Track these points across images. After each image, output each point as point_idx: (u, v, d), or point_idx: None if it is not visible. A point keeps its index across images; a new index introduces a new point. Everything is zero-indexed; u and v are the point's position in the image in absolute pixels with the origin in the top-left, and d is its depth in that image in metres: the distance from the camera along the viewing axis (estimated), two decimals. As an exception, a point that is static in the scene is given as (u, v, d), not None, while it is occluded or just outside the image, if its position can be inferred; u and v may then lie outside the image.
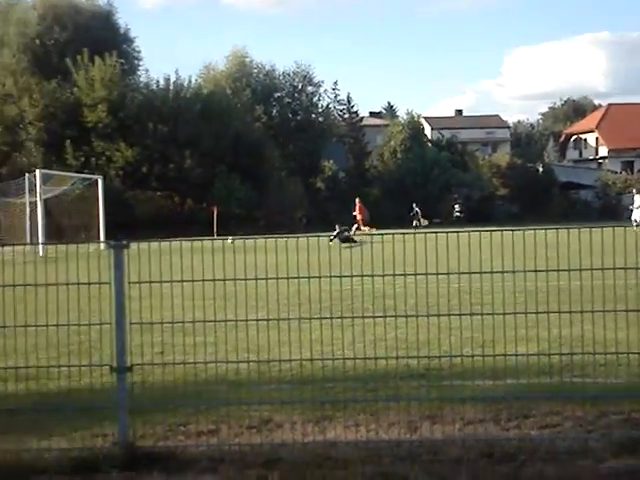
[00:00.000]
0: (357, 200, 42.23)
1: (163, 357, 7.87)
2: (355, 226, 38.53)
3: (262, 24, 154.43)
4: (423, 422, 6.08)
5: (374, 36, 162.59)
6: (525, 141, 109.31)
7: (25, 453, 5.54)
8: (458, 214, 52.13)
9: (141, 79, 65.23)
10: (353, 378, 7.09)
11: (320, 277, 6.31)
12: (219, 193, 55.28)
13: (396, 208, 58.97)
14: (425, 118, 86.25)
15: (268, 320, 6.70)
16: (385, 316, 6.72)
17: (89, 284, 5.97)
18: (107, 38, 61.85)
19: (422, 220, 49.58)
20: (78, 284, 5.95)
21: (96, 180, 41.21)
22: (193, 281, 6.01)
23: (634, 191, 33.79)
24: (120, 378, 5.58)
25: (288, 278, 6.49)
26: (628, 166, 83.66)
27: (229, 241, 9.58)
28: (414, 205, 50.96)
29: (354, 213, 41.56)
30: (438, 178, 65.72)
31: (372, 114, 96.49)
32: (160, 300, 6.19)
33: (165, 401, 6.50)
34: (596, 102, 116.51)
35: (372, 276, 6.59)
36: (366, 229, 37.60)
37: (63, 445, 5.69)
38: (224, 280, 6.13)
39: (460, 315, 6.55)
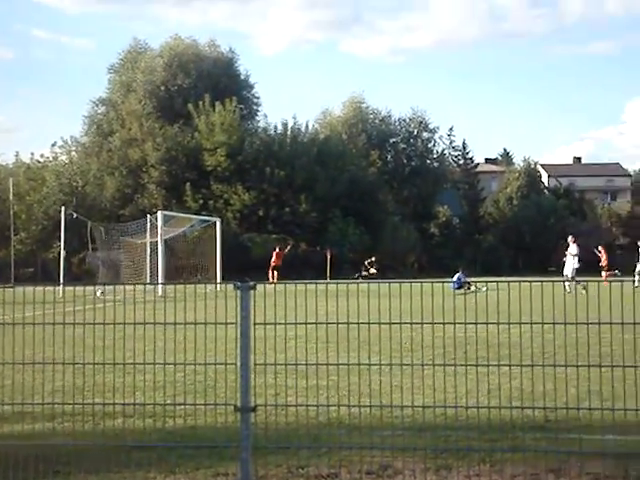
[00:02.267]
0: (277, 249, 41.46)
1: (286, 399, 7.91)
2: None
3: (379, 70, 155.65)
4: (547, 475, 5.92)
5: (491, 82, 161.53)
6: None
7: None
8: (577, 266, 50.84)
9: (259, 124, 66.63)
10: (473, 427, 6.96)
11: (443, 323, 6.25)
12: (333, 237, 55.64)
13: (511, 255, 58.07)
14: (542, 165, 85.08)
15: (390, 365, 6.67)
16: (510, 365, 6.59)
17: (216, 324, 6.08)
18: (228, 84, 63.53)
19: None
20: (205, 324, 6.06)
21: (214, 222, 42.05)
22: (316, 324, 6.05)
23: None
24: (244, 418, 5.63)
25: (401, 323, 6.45)
26: None
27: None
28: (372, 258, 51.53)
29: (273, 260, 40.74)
30: (554, 226, 64.49)
31: (487, 160, 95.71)
32: (282, 341, 6.25)
33: (286, 443, 6.52)
34: None
35: (495, 324, 6.50)
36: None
37: (186, 482, 5.77)
38: (347, 324, 6.14)
39: (589, 366, 6.36)
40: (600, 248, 44.14)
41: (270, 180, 57.34)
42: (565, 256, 33.33)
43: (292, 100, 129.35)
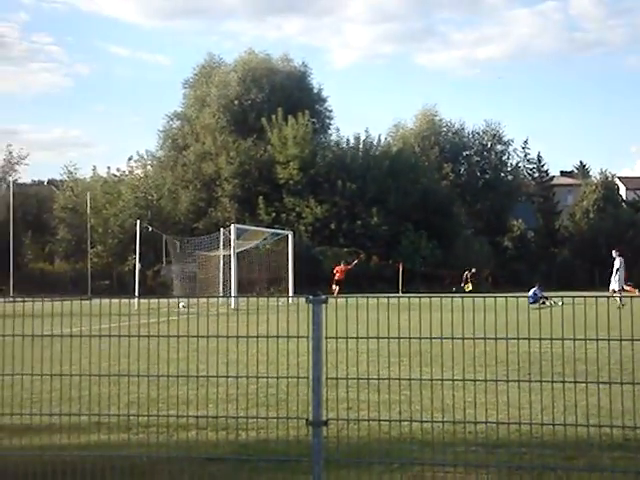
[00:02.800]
0: (342, 263, 40.96)
1: (356, 413, 7.88)
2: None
3: (453, 83, 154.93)
4: (626, 496, 5.78)
5: (567, 93, 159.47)
6: None
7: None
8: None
9: (332, 137, 66.82)
10: (549, 444, 6.84)
11: (518, 339, 6.16)
12: (405, 250, 55.43)
13: (587, 269, 57.08)
14: (620, 178, 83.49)
15: (463, 380, 6.59)
16: (587, 382, 6.45)
17: (288, 337, 6.09)
18: (301, 98, 63.88)
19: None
20: (277, 337, 6.07)
21: (286, 235, 42.28)
22: (389, 338, 6.01)
23: None
24: (316, 432, 5.62)
25: (474, 338, 6.37)
26: None
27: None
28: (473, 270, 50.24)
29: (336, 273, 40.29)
30: (633, 240, 63.17)
31: (563, 173, 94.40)
32: (354, 355, 6.23)
33: (358, 457, 6.49)
34: None
35: (571, 339, 6.38)
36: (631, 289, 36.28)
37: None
38: (420, 338, 6.09)
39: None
40: None
41: (342, 193, 57.42)
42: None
43: (365, 114, 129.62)
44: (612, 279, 32.31)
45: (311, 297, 5.70)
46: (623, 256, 32.85)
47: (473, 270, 50.51)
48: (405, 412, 7.61)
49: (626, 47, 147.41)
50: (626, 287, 37.92)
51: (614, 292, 29.90)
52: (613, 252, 33.27)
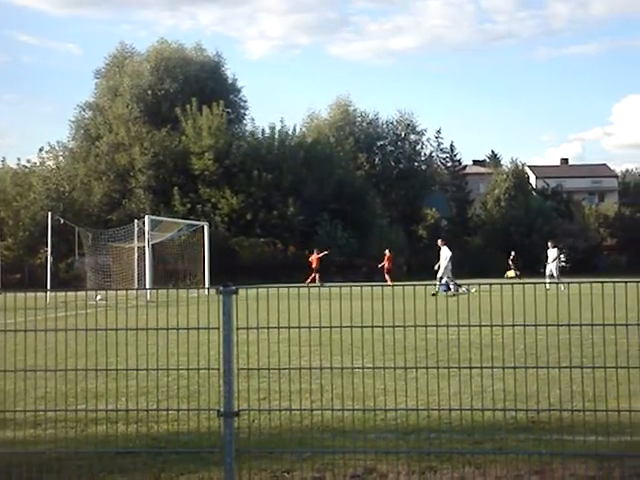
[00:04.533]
0: (387, 252, 41.85)
1: (268, 403, 7.92)
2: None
3: (367, 73, 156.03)
4: (531, 477, 5.94)
5: (478, 84, 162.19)
6: (634, 191, 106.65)
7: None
8: (563, 264, 51.17)
9: (247, 128, 66.62)
10: (457, 429, 6.99)
11: (426, 326, 6.26)
12: (321, 240, 55.66)
13: (499, 257, 58.23)
14: (530, 167, 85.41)
15: (373, 368, 6.68)
16: (492, 367, 6.61)
17: (198, 329, 6.08)
18: (215, 88, 63.50)
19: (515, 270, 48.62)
20: (188, 329, 6.05)
21: (202, 226, 42.03)
22: (300, 327, 6.05)
23: None
24: (227, 423, 5.63)
25: (393, 327, 6.47)
26: None
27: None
28: (512, 253, 50.17)
29: (383, 264, 41.22)
30: (542, 227, 64.71)
31: (475, 162, 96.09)
32: (266, 345, 6.25)
33: (270, 447, 6.52)
34: None
35: (478, 326, 6.52)
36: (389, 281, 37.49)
37: (170, 488, 5.76)
38: (330, 327, 6.15)
39: (570, 368, 6.38)
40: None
41: (258, 183, 57.35)
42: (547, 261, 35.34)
43: (280, 104, 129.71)
44: (549, 267, 34.45)
45: (221, 288, 5.69)
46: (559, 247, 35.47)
47: (513, 254, 50.32)
48: (318, 401, 7.69)
49: (535, 38, 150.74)
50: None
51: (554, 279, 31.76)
52: (549, 243, 35.77)
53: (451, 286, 29.56)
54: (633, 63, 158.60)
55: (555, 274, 34.10)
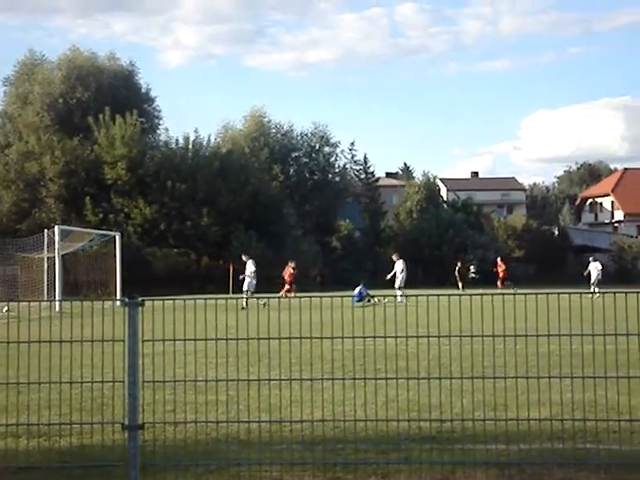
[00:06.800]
0: (290, 263, 41.90)
1: (175, 415, 7.85)
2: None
3: (283, 85, 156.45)
4: (434, 486, 6.03)
5: (392, 98, 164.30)
6: (541, 204, 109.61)
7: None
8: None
9: (161, 137, 65.91)
10: (364, 440, 7.05)
11: (332, 338, 6.32)
12: (235, 251, 55.40)
13: (410, 268, 58.94)
14: (441, 179, 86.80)
15: (280, 380, 6.70)
16: (397, 378, 6.70)
17: (103, 341, 6.01)
18: (128, 97, 62.72)
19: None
20: (92, 341, 5.98)
21: (114, 236, 41.44)
22: (206, 340, 6.04)
23: None
24: (132, 436, 5.58)
25: (301, 338, 6.51)
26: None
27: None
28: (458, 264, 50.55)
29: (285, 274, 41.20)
30: (453, 239, 65.72)
31: (388, 174, 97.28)
32: (177, 357, 6.22)
33: (176, 460, 6.47)
34: (612, 166, 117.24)
35: (385, 337, 6.61)
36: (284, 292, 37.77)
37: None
38: (237, 339, 6.15)
39: (472, 378, 6.52)
40: (499, 260, 46.15)
41: (171, 193, 56.83)
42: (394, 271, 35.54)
43: (196, 114, 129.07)
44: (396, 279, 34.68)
45: (126, 299, 5.65)
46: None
47: (459, 265, 50.30)
48: (229, 413, 7.66)
49: (447, 54, 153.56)
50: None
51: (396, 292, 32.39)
52: (394, 256, 36.17)
53: (399, 297, 29.98)
54: (540, 80, 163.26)
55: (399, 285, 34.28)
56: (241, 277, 32.78)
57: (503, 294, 6.61)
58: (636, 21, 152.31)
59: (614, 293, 6.29)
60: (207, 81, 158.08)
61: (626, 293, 6.26)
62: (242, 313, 6.07)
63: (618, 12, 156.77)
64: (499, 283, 43.92)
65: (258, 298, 27.44)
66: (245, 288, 32.09)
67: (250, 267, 32.40)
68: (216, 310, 6.56)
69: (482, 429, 6.76)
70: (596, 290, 29.44)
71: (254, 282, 32.09)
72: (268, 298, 16.59)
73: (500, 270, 45.39)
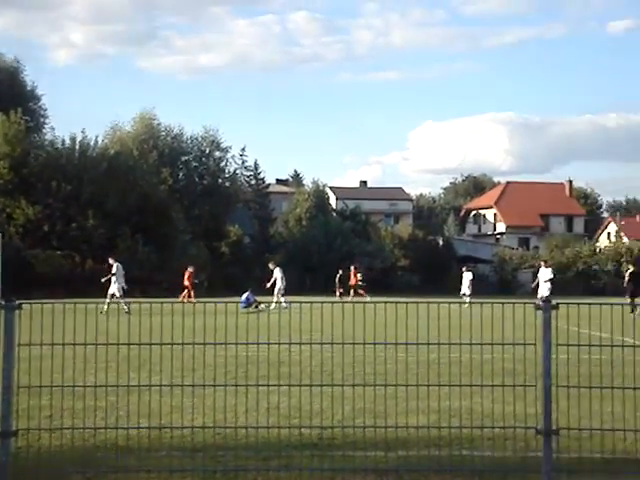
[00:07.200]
0: (189, 268, 41.71)
1: (52, 421, 7.66)
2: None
3: (174, 88, 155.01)
4: (314, 493, 6.06)
5: (284, 105, 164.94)
6: (427, 214, 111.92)
7: None
8: (360, 283, 52.57)
9: (46, 137, 64.24)
10: (246, 447, 7.03)
11: (215, 344, 6.30)
12: (121, 254, 54.50)
13: (298, 275, 59.18)
14: (330, 188, 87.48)
15: (161, 386, 6.62)
16: (279, 385, 6.72)
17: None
18: (13, 95, 61.03)
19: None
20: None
21: (-6, 237, 40.20)
22: (85, 344, 5.93)
23: (542, 264, 34.49)
24: (4, 443, 5.42)
25: (183, 344, 6.46)
26: (524, 243, 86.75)
27: None
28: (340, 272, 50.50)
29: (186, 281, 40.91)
30: (341, 247, 66.33)
31: (279, 181, 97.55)
32: (51, 362, 6.07)
33: (50, 468, 6.31)
34: (496, 180, 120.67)
35: (268, 344, 6.62)
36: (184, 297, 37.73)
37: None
38: (117, 344, 6.06)
39: (354, 386, 6.60)
40: (352, 269, 46.73)
41: (56, 194, 55.51)
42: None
43: (85, 114, 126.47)
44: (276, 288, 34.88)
45: (2, 303, 5.50)
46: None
47: (340, 272, 49.26)
48: (107, 419, 7.52)
49: (339, 63, 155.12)
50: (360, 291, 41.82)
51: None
52: (270, 264, 36.65)
53: (283, 304, 30.12)
54: (427, 92, 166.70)
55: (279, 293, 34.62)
56: (103, 280, 31.95)
57: (386, 302, 6.70)
58: (522, 39, 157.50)
59: (492, 304, 6.46)
60: (97, 81, 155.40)
61: (503, 304, 6.45)
62: (124, 317, 5.97)
63: (505, 29, 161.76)
64: (352, 292, 43.84)
65: (127, 303, 27.10)
66: (111, 292, 31.32)
67: (118, 270, 31.79)
68: (96, 314, 6.44)
69: (362, 436, 6.84)
70: (467, 300, 30.26)
71: (121, 286, 31.46)
72: (130, 303, 16.21)
73: (354, 279, 45.79)
